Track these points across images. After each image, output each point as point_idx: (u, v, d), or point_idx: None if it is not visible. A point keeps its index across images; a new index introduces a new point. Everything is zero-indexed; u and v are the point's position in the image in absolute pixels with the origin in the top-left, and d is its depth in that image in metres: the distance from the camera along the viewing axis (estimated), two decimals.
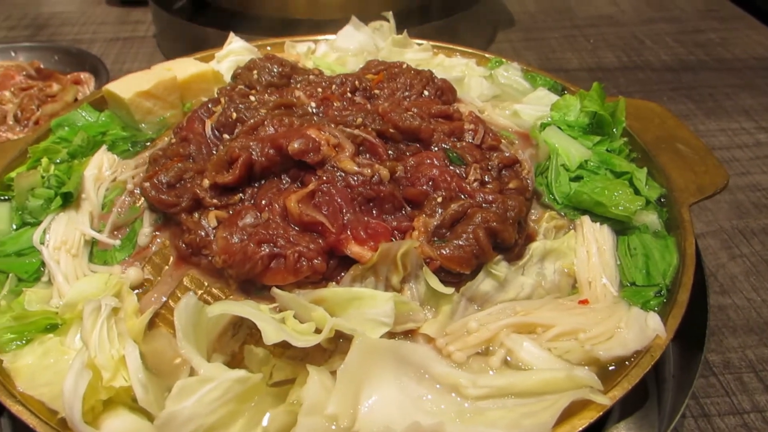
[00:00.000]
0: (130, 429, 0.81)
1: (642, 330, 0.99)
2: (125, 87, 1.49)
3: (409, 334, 1.00)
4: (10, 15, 3.09)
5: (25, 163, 1.36)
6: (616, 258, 1.17)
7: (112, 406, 0.85)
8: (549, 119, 1.51)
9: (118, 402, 0.85)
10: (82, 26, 2.99)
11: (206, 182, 1.11)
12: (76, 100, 2.25)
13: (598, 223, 1.22)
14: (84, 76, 2.37)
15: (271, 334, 0.86)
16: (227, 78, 1.62)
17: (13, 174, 1.30)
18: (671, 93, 2.42)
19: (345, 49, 1.86)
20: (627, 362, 0.96)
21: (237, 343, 0.96)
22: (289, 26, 2.41)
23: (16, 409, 0.87)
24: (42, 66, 2.46)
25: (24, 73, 2.38)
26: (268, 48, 1.83)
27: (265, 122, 1.23)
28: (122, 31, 2.94)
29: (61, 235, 1.13)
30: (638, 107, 1.55)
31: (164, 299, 1.03)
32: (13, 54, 2.52)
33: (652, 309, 1.06)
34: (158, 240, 1.12)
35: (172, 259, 1.09)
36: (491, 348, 0.99)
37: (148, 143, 1.44)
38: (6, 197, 1.27)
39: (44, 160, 1.33)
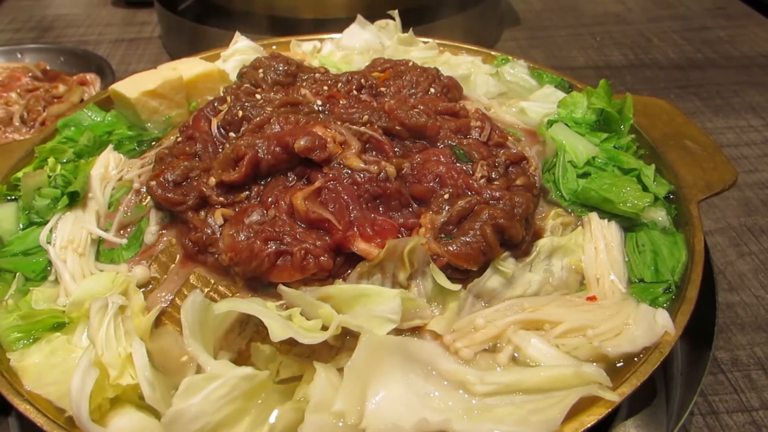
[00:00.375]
0: (137, 427, 0.81)
1: (650, 326, 0.99)
2: (131, 86, 1.49)
3: (416, 331, 0.99)
4: (16, 17, 3.11)
5: (32, 163, 1.36)
6: (624, 254, 1.17)
7: (120, 404, 0.85)
8: (556, 116, 1.51)
9: (126, 400, 0.85)
10: (88, 28, 3.00)
11: (212, 180, 1.11)
12: (82, 100, 2.26)
13: (605, 220, 1.22)
14: (90, 77, 2.38)
15: (278, 331, 0.86)
16: (233, 77, 1.62)
17: (19, 174, 1.30)
18: (678, 90, 2.41)
19: (351, 47, 1.86)
20: (635, 359, 0.96)
21: (244, 340, 0.96)
22: (295, 25, 2.41)
23: (23, 407, 0.87)
24: (48, 67, 2.46)
25: (30, 74, 2.39)
26: (274, 47, 1.83)
27: (271, 120, 1.23)
28: (128, 32, 2.94)
29: (68, 234, 1.14)
30: (646, 104, 1.54)
31: (171, 297, 1.03)
32: (19, 56, 2.53)
33: (660, 305, 1.05)
34: (165, 238, 1.12)
35: (178, 257, 1.09)
36: (499, 345, 0.99)
37: (154, 142, 1.44)
38: (13, 197, 1.27)
39: (51, 160, 1.33)
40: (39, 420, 0.84)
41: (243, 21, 2.50)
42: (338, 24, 1.99)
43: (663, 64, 2.60)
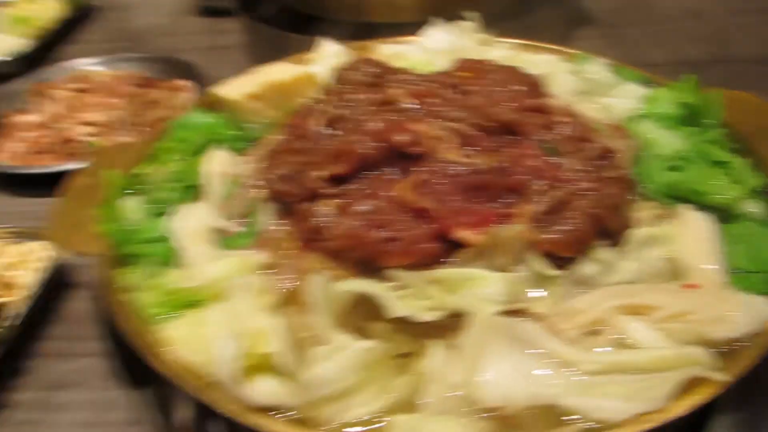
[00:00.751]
0: (275, 390, 0.90)
1: (752, 314, 1.01)
2: (233, 90, 1.61)
3: (520, 314, 1.05)
4: (109, 29, 3.33)
5: (150, 160, 1.48)
6: (719, 245, 1.18)
7: (257, 371, 0.93)
8: (641, 111, 1.53)
9: (262, 368, 0.93)
10: (176, 37, 3.18)
11: (320, 174, 1.20)
12: (179, 105, 2.42)
13: (698, 212, 1.24)
14: (184, 83, 2.54)
15: (394, 309, 0.94)
16: (324, 80, 1.71)
17: (140, 170, 1.43)
18: (762, 84, 2.36)
19: (431, 49, 1.92)
20: (740, 344, 0.98)
21: (361, 318, 1.03)
22: (372, 30, 2.47)
23: (167, 373, 0.96)
24: (145, 75, 2.64)
25: (130, 81, 2.57)
26: (359, 50, 1.91)
27: (370, 118, 1.31)
28: (212, 41, 3.11)
29: (191, 224, 1.24)
30: (732, 98, 1.54)
31: (289, 281, 1.11)
32: (118, 64, 2.73)
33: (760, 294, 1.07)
34: (279, 227, 1.22)
35: (292, 244, 1.18)
36: (600, 328, 1.03)
37: (257, 141, 1.54)
38: (136, 191, 1.39)
39: (167, 157, 1.45)
40: (184, 384, 0.94)
41: (322, 27, 2.60)
42: (413, 28, 2.06)
43: (744, 59, 2.55)
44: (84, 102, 2.49)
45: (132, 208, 1.33)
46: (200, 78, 2.55)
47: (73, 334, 1.63)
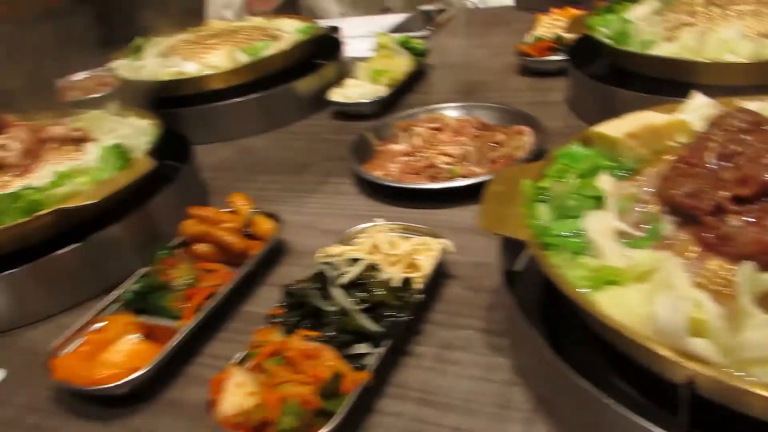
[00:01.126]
0: (709, 347, 1.13)
1: None
2: (614, 129, 1.92)
3: None
4: (447, 83, 3.97)
5: (546, 178, 1.85)
6: None
7: (692, 333, 1.18)
8: None
9: (696, 331, 1.18)
10: (503, 92, 3.68)
11: (726, 194, 1.43)
12: (520, 146, 2.83)
13: None
14: (523, 128, 2.96)
15: None
16: (695, 126, 1.93)
17: (543, 184, 1.80)
18: None
19: None
20: None
21: None
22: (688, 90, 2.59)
23: (610, 324, 1.26)
24: (484, 120, 3.12)
25: (473, 125, 3.06)
26: (722, 105, 2.10)
27: (764, 154, 1.51)
28: (536, 96, 3.53)
29: (598, 226, 1.56)
30: None
31: (693, 275, 1.35)
32: (463, 110, 3.26)
33: None
34: (680, 235, 1.47)
35: (693, 248, 1.42)
36: None
37: (632, 171, 1.83)
38: (540, 200, 1.76)
39: (562, 176, 1.81)
40: (627, 332, 1.22)
41: (648, 84, 2.82)
42: (738, 90, 2.18)
43: None
44: (438, 138, 3.04)
45: (541, 210, 1.70)
46: (536, 125, 2.94)
47: (453, 311, 2.05)
